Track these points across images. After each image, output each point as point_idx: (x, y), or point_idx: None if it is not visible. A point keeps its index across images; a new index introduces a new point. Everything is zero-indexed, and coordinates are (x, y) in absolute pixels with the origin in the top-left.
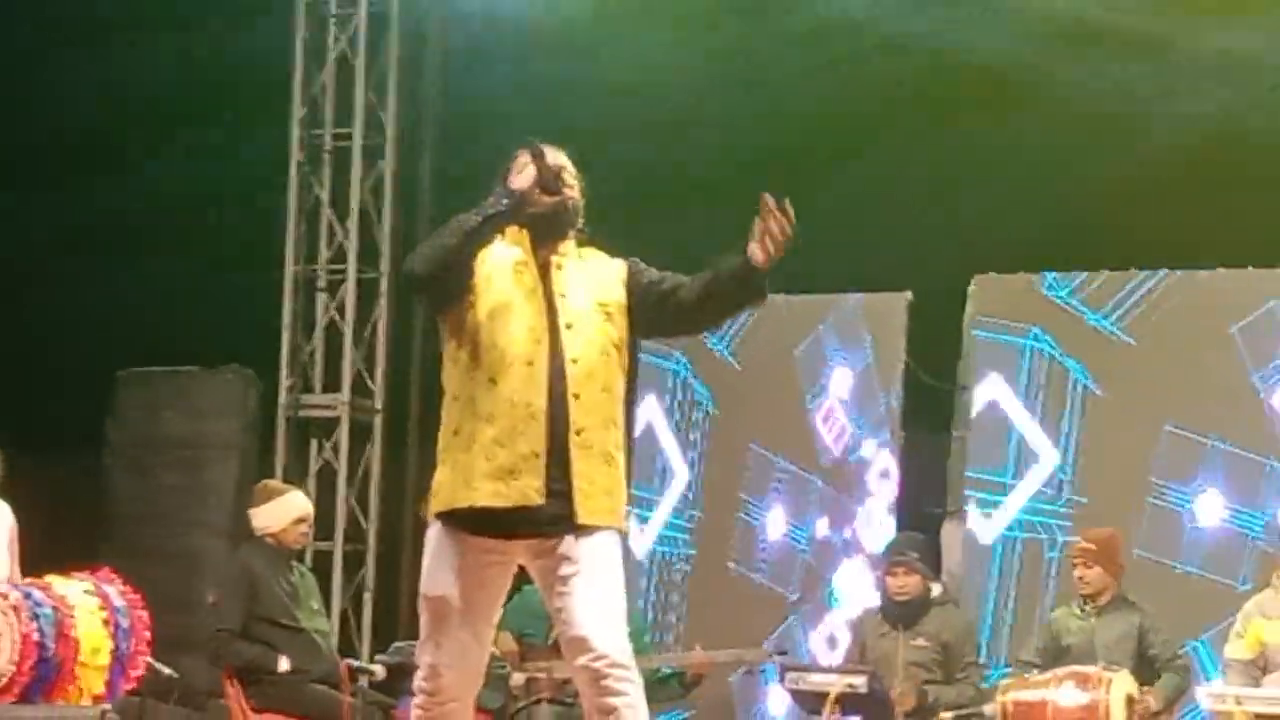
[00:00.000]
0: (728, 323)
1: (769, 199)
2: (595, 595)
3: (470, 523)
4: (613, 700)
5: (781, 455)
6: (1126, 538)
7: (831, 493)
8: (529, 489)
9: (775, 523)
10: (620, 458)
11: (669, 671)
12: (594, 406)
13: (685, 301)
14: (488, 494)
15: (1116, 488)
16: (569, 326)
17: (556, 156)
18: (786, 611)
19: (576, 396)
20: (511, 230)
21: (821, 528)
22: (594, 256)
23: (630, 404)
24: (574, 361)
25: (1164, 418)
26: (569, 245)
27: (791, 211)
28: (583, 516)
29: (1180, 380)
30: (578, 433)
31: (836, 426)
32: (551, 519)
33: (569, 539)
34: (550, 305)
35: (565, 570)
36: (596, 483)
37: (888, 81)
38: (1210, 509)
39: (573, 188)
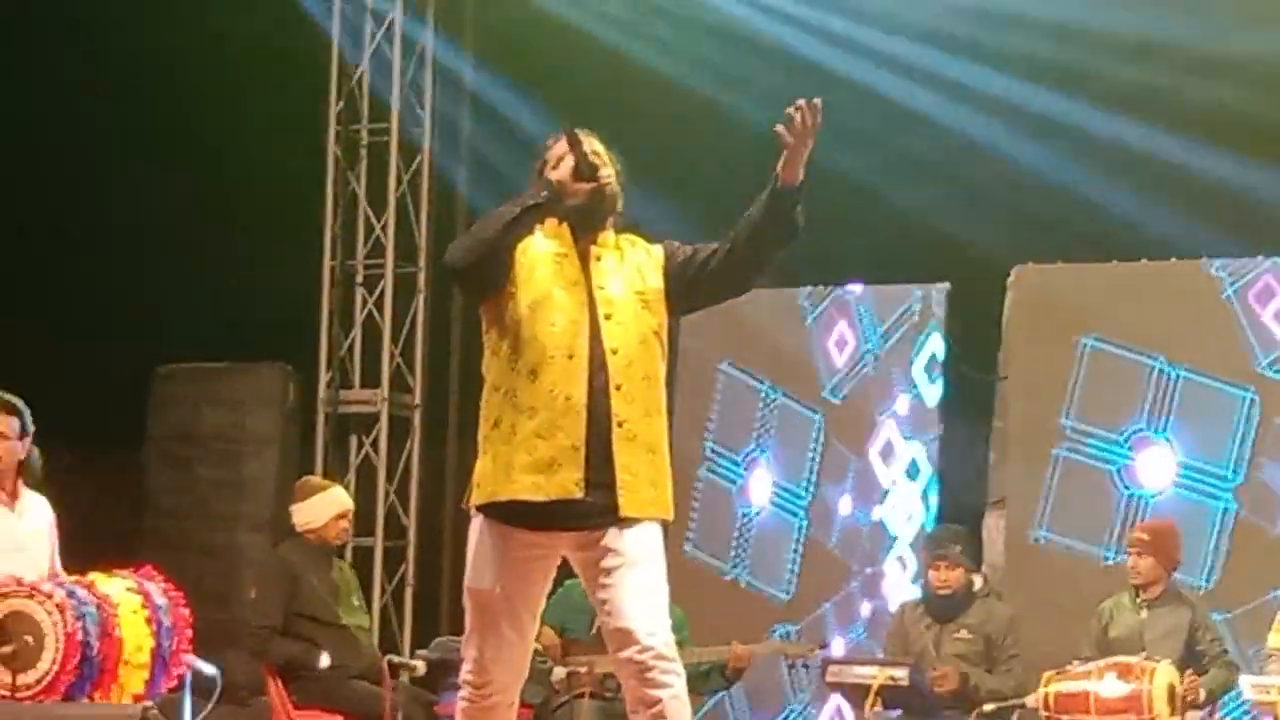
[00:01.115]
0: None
1: (800, 102)
2: (640, 587)
3: (511, 516)
4: (657, 692)
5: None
6: None
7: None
8: (568, 482)
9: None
10: (664, 447)
11: (709, 665)
12: (636, 397)
13: (722, 261)
14: (527, 487)
15: None
16: (608, 317)
17: (591, 142)
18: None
19: (618, 388)
20: (551, 222)
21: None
22: (632, 244)
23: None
24: (614, 352)
25: None
26: (608, 235)
27: (819, 104)
28: (626, 509)
29: None
30: (620, 424)
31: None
32: (594, 512)
33: (613, 530)
34: (590, 296)
35: (609, 562)
36: (640, 474)
37: None
38: None
39: (609, 174)
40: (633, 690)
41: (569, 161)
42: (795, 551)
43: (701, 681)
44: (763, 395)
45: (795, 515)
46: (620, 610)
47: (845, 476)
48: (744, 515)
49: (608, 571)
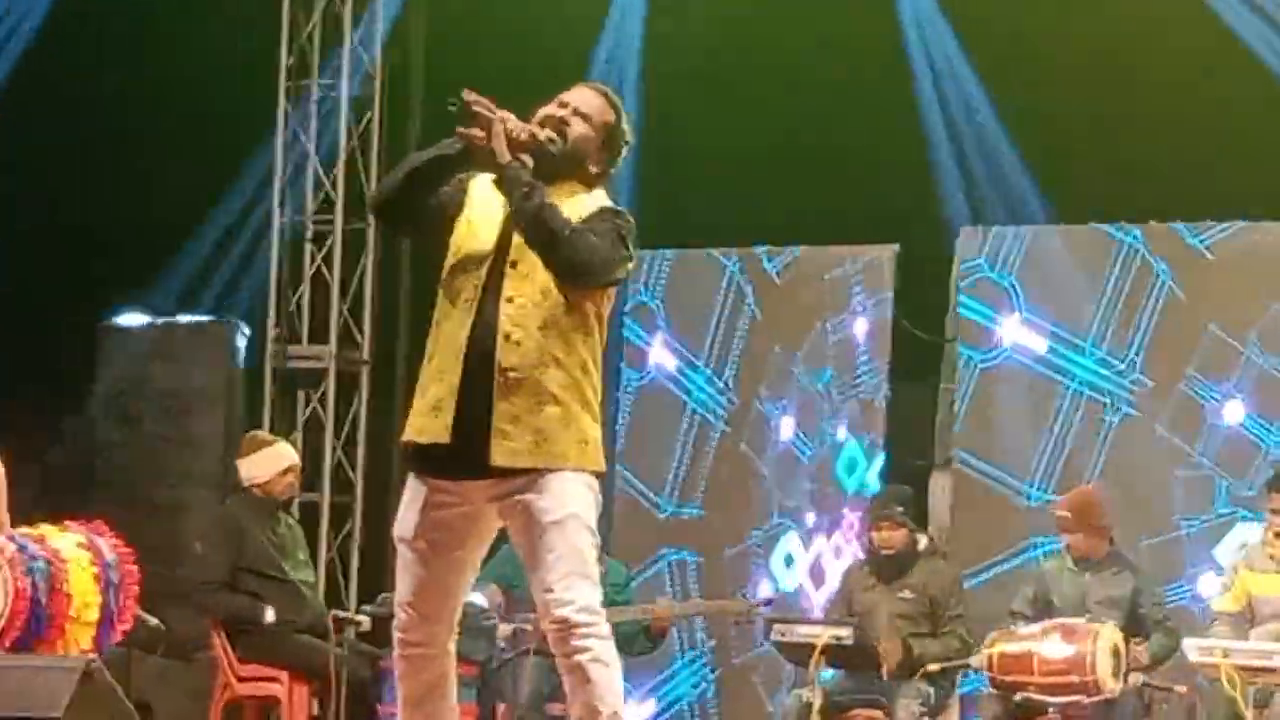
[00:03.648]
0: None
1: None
2: (551, 551)
3: (411, 459)
4: (575, 658)
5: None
6: None
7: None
8: (440, 426)
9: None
10: (569, 397)
11: (632, 625)
12: (530, 347)
13: None
14: (415, 429)
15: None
16: (514, 264)
17: (583, 98)
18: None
19: (507, 336)
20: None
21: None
22: (583, 198)
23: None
24: (509, 300)
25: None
26: (561, 188)
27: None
28: (496, 458)
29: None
30: (503, 374)
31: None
32: (463, 459)
33: (530, 488)
34: (501, 245)
35: (522, 524)
36: (523, 424)
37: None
38: None
39: (565, 136)
40: (557, 656)
41: (513, 125)
42: (685, 446)
43: (628, 644)
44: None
45: (702, 404)
46: (533, 577)
47: (788, 394)
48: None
49: (524, 531)
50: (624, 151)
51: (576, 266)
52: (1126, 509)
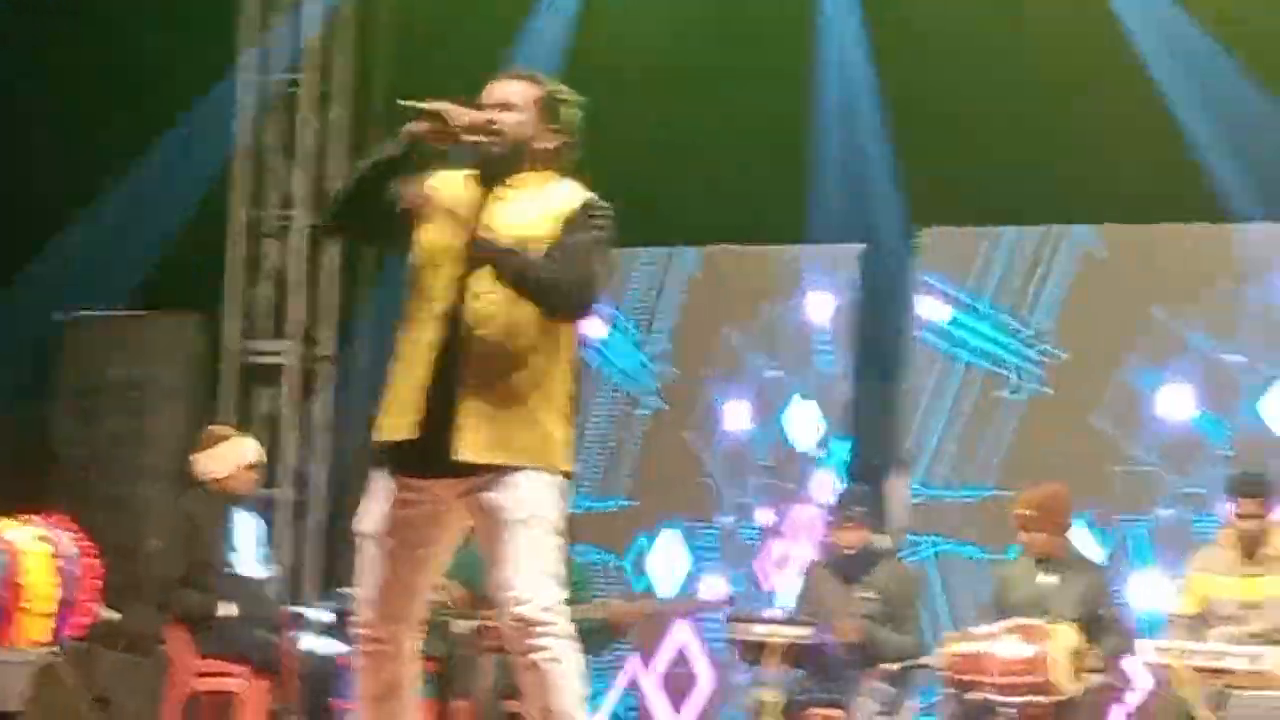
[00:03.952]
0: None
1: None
2: (514, 548)
3: (380, 459)
4: (531, 656)
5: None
6: None
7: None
8: (410, 423)
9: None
10: (536, 396)
11: (590, 623)
12: (496, 344)
13: None
14: (386, 427)
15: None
16: (481, 262)
17: (503, 91)
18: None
19: (474, 334)
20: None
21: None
22: (556, 188)
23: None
24: (476, 297)
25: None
26: (525, 177)
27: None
28: (461, 454)
29: None
30: (470, 370)
31: None
32: (431, 456)
33: (491, 486)
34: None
35: (486, 520)
36: (491, 419)
37: None
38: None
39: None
40: (512, 654)
41: (462, 117)
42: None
43: (587, 639)
44: None
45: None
46: (493, 575)
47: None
48: None
49: (486, 530)
50: (573, 115)
51: (561, 310)
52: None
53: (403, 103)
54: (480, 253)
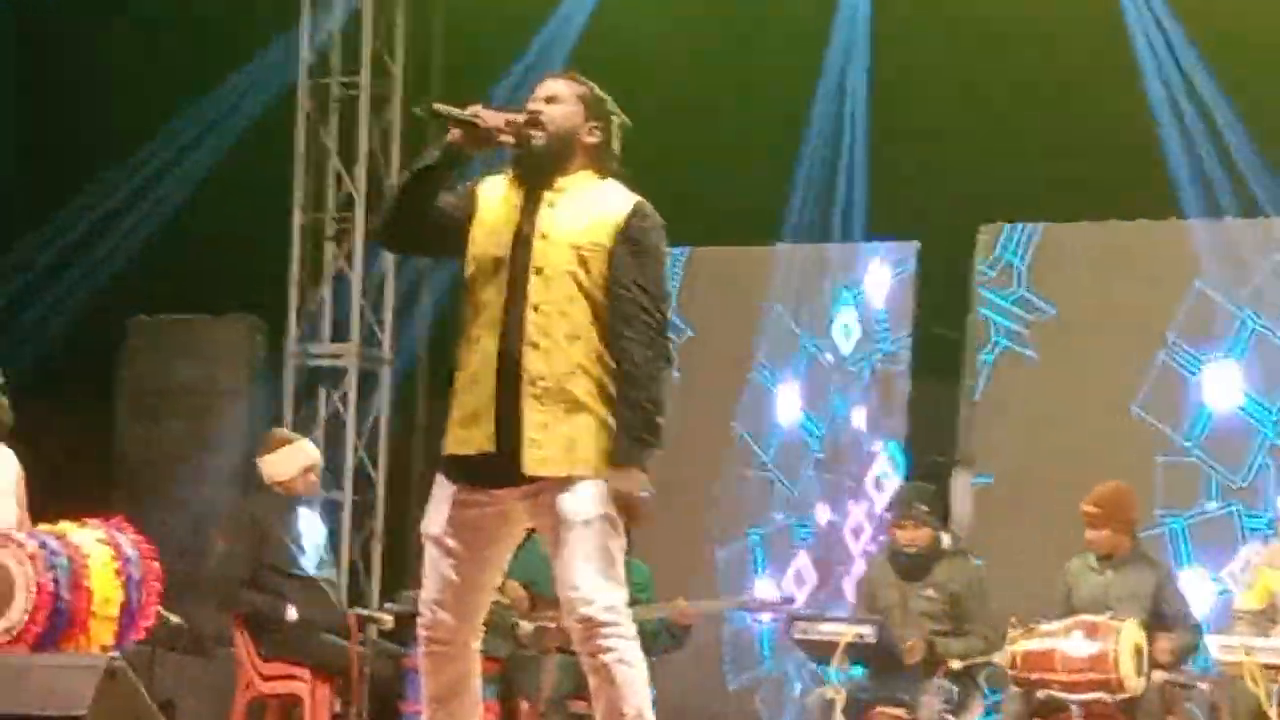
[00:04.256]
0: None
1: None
2: (578, 551)
3: (451, 469)
4: (601, 657)
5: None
6: None
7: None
8: (484, 437)
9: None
10: (599, 405)
11: (654, 624)
12: (557, 355)
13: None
14: (455, 441)
15: None
16: (538, 272)
17: (549, 87)
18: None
19: (535, 346)
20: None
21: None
22: (601, 191)
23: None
24: (535, 309)
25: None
26: (570, 179)
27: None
28: (530, 468)
29: None
30: (532, 382)
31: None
32: (506, 469)
33: (557, 491)
34: (519, 251)
35: (551, 523)
36: (554, 431)
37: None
38: None
39: (543, 125)
40: (581, 656)
41: (495, 118)
42: None
43: (651, 641)
44: None
45: None
46: (559, 576)
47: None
48: None
49: (551, 533)
50: (617, 119)
51: (666, 353)
52: None
53: (436, 108)
54: (635, 453)
